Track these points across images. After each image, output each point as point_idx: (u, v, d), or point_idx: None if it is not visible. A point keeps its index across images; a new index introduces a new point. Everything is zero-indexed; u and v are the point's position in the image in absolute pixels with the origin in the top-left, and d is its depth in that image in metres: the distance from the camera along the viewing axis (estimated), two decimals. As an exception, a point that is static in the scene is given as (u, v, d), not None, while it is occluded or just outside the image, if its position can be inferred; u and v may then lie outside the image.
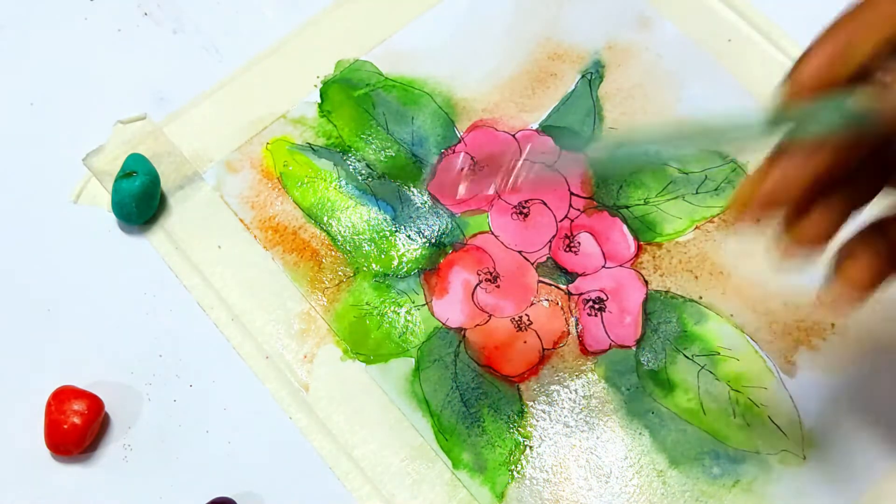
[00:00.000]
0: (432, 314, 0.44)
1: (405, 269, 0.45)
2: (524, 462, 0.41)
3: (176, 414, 0.42)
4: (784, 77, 0.28)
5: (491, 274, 0.45)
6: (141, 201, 0.44)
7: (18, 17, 0.51)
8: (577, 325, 0.44)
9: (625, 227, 0.46)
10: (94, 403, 0.40)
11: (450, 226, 0.46)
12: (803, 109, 0.27)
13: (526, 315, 0.44)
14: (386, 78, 0.49)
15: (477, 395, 0.42)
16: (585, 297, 0.44)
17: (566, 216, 0.46)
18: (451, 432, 0.42)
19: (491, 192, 0.44)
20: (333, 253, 0.45)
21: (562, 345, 0.43)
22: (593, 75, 0.49)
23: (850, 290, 0.29)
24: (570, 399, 0.42)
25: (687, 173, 0.47)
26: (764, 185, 0.28)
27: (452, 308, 0.44)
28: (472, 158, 0.47)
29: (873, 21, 0.27)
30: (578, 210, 0.46)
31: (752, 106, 0.28)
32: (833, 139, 0.27)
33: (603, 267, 0.45)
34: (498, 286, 0.44)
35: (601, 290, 0.44)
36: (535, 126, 0.48)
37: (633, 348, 0.43)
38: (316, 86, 0.49)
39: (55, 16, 0.51)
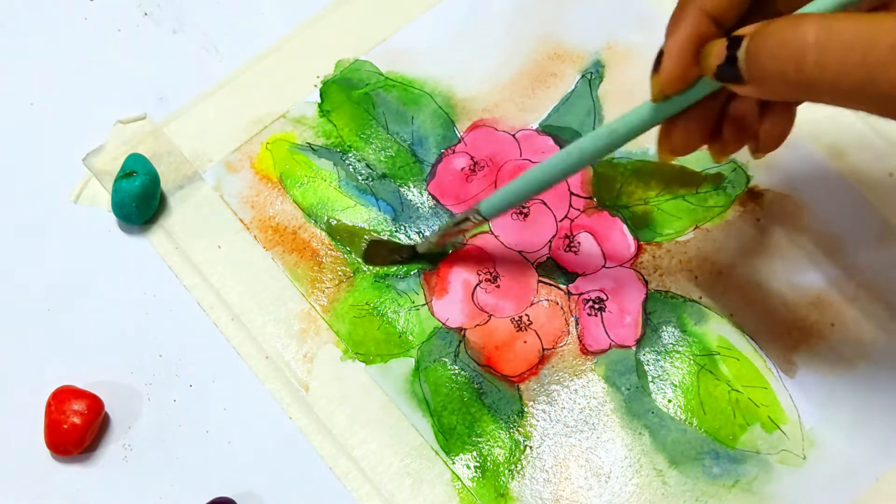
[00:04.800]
0: (432, 314, 0.44)
1: (405, 269, 0.45)
2: (524, 462, 0.41)
3: (176, 414, 0.42)
4: (654, 68, 0.34)
5: (491, 274, 0.45)
6: (141, 201, 0.44)
7: (18, 16, 0.51)
8: (576, 324, 0.44)
9: (625, 227, 0.46)
10: (94, 403, 0.41)
11: (450, 226, 0.46)
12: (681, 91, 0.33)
13: (526, 315, 0.44)
14: (386, 78, 0.49)
15: (477, 395, 0.42)
16: (585, 296, 0.44)
17: (566, 216, 0.46)
18: (451, 432, 0.42)
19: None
20: (333, 253, 0.45)
21: (562, 345, 0.43)
22: (593, 75, 0.49)
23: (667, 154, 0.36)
24: (570, 399, 0.42)
25: (687, 173, 0.47)
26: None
27: (452, 308, 0.44)
28: (471, 158, 0.47)
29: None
30: (578, 210, 0.46)
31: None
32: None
33: (603, 267, 0.45)
34: (498, 286, 0.44)
35: (601, 290, 0.44)
36: (535, 126, 0.48)
37: (633, 348, 0.43)
38: (316, 86, 0.49)
39: (55, 15, 0.51)
